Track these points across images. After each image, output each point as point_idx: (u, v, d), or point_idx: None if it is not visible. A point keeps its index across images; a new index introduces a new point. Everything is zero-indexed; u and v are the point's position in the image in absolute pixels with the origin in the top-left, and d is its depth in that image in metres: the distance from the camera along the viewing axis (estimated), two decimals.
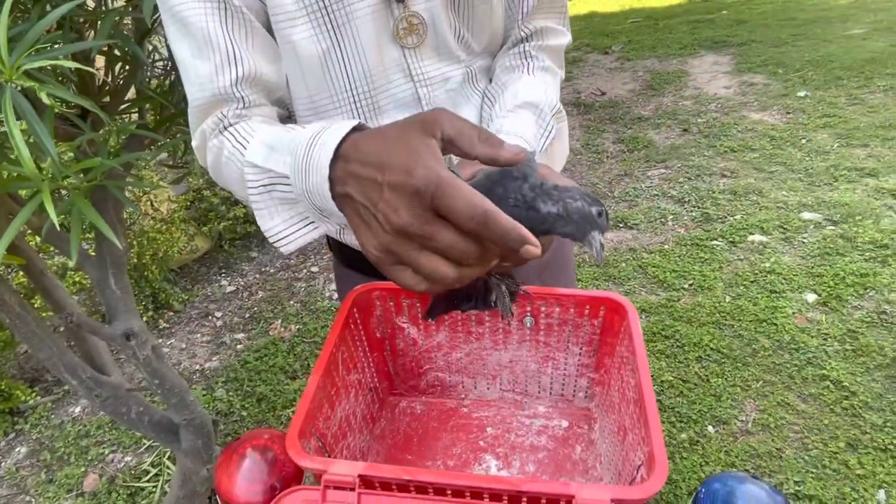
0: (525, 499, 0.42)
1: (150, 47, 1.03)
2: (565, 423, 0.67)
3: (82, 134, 0.86)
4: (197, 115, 0.60)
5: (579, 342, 0.64)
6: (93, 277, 1.16)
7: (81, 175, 0.76)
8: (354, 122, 0.45)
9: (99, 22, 0.81)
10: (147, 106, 1.00)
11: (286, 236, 0.54)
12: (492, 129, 0.63)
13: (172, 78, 1.01)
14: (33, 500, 1.82)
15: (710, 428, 1.66)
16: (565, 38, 0.73)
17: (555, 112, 0.67)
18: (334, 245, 0.84)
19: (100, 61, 0.96)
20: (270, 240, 0.55)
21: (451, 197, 0.36)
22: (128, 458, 1.92)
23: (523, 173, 0.46)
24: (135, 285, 2.30)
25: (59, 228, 0.68)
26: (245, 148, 0.55)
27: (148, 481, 1.82)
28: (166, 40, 0.75)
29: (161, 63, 1.02)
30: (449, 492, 0.43)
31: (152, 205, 2.43)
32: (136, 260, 2.28)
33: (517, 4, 0.68)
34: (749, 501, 0.51)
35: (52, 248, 2.29)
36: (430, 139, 0.40)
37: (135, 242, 2.28)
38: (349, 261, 0.82)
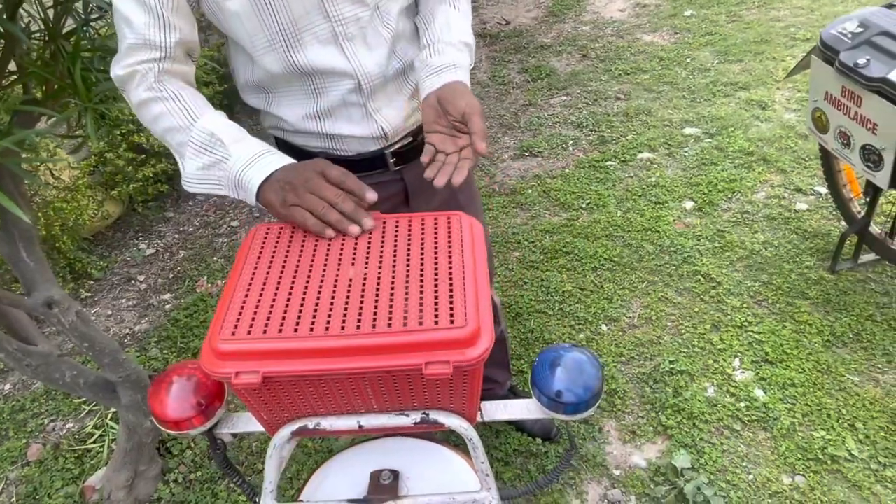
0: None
1: (27, 17, 1.03)
2: None
3: None
4: (126, 52, 0.77)
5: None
6: (3, 253, 1.18)
7: None
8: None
9: None
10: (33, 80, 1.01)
11: (197, 183, 0.78)
12: (439, 51, 0.86)
13: (53, 49, 1.02)
14: None
15: (603, 326, 1.91)
16: None
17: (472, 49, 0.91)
18: (282, 145, 1.01)
19: None
20: (183, 176, 0.79)
21: (329, 167, 0.75)
22: (70, 425, 1.97)
23: None
24: (48, 258, 2.26)
25: None
26: (194, 120, 0.77)
27: (94, 443, 1.89)
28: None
29: (38, 34, 1.02)
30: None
31: (52, 174, 2.34)
32: (44, 232, 2.23)
33: None
34: (568, 362, 0.69)
35: None
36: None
37: (40, 214, 2.22)
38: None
